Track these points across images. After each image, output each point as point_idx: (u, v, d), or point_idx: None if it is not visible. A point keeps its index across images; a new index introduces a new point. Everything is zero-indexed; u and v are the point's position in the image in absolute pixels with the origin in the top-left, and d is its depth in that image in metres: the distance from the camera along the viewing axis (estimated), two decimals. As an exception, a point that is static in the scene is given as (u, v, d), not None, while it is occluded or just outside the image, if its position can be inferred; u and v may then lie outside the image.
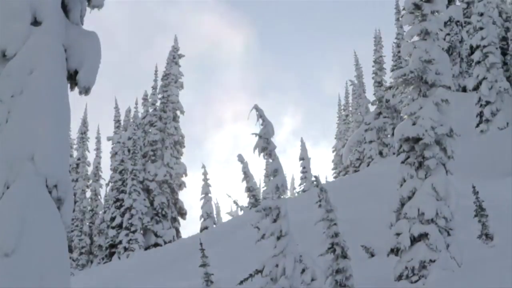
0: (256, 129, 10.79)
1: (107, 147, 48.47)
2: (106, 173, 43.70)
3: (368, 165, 34.05)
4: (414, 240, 11.77)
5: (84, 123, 44.83)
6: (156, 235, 36.24)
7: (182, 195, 41.73)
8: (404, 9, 13.39)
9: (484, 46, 27.88)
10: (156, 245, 35.17)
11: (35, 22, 6.99)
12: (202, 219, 35.88)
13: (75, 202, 39.10)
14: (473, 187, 13.24)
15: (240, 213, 25.30)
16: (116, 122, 42.49)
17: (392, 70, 39.88)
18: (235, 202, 11.71)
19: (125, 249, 34.08)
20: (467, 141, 23.65)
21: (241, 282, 10.62)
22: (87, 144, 44.49)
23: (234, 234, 21.68)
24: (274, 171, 10.79)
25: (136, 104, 42.07)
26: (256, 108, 10.81)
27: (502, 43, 31.29)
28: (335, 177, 43.34)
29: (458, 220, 12.16)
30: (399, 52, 38.34)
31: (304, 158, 42.98)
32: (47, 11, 7.03)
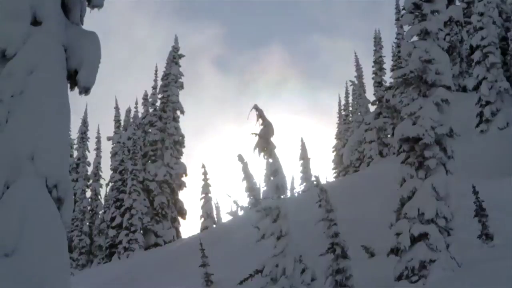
0: (256, 129, 10.79)
1: (107, 147, 48.51)
2: (106, 173, 43.78)
3: (368, 165, 34.04)
4: (414, 240, 11.76)
5: (84, 123, 44.85)
6: (156, 235, 36.22)
7: (182, 195, 41.66)
8: (404, 9, 13.39)
9: (484, 46, 27.89)
10: (156, 245, 35.17)
11: (35, 22, 6.99)
12: (202, 219, 35.88)
13: (75, 202, 39.10)
14: (473, 187, 13.24)
15: (240, 213, 25.26)
16: (116, 122, 42.51)
17: (392, 70, 39.87)
18: (235, 202, 11.67)
19: (125, 249, 34.07)
20: (467, 141, 23.64)
21: (241, 282, 10.63)
22: (87, 144, 44.51)
23: (234, 234, 21.68)
24: (274, 171, 10.79)
25: (136, 104, 42.11)
26: (256, 108, 10.81)
27: (502, 43, 31.28)
28: (335, 177, 43.33)
29: (458, 220, 12.16)
30: (399, 52, 38.32)
31: (304, 158, 42.99)
32: (47, 11, 7.04)
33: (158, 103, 40.05)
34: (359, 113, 40.75)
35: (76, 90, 7.28)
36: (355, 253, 13.23)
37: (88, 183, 42.73)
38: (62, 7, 7.33)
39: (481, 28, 28.21)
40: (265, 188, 11.06)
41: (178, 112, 39.91)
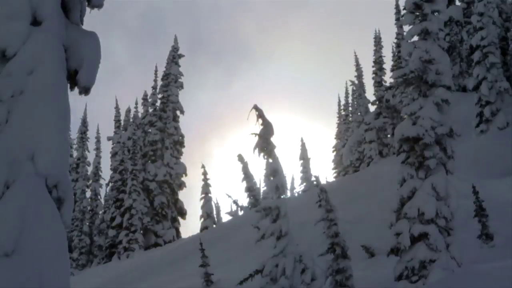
0: (256, 129, 10.78)
1: (107, 147, 48.56)
2: (106, 173, 43.77)
3: (368, 165, 34.03)
4: (414, 240, 11.76)
5: (84, 123, 44.88)
6: (156, 235, 36.24)
7: (182, 195, 41.65)
8: (404, 9, 13.38)
9: (484, 46, 27.87)
10: (156, 245, 35.18)
11: (35, 22, 6.99)
12: (202, 219, 35.87)
13: (75, 202, 39.09)
14: (473, 187, 13.24)
15: (240, 213, 25.28)
16: (116, 122, 42.51)
17: (392, 70, 39.86)
18: (235, 202, 11.68)
19: (125, 249, 34.08)
20: (467, 141, 23.65)
21: (241, 282, 10.62)
22: (87, 144, 44.53)
23: (234, 234, 21.70)
24: (274, 171, 10.78)
25: (136, 104, 42.14)
26: (256, 108, 10.80)
27: (502, 43, 31.27)
28: (335, 177, 43.34)
29: (458, 220, 12.16)
30: (399, 52, 38.31)
31: (304, 158, 43.02)
32: (47, 11, 7.04)
33: (158, 103, 40.07)
34: (359, 113, 40.74)
35: (76, 90, 7.28)
36: (355, 253, 13.23)
37: (88, 183, 42.74)
38: (62, 7, 7.33)
39: (481, 28, 28.19)
40: (265, 188, 11.07)
41: (178, 112, 39.93)
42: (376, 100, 31.97)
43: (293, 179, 49.41)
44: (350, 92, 46.30)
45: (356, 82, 41.63)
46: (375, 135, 34.09)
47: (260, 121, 10.76)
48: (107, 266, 30.89)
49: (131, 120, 42.14)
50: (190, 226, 44.74)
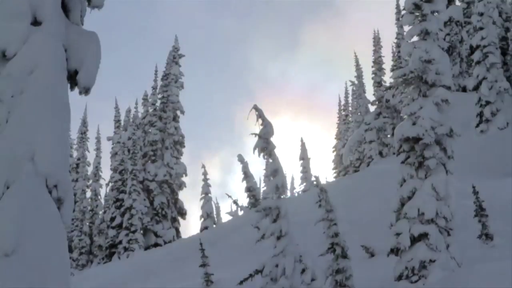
0: (256, 129, 10.79)
1: (107, 147, 48.51)
2: (106, 173, 43.73)
3: (368, 165, 34.04)
4: (414, 240, 11.76)
5: (84, 123, 44.84)
6: (156, 235, 36.22)
7: (182, 195, 41.66)
8: (404, 9, 13.39)
9: (484, 46, 27.87)
10: (156, 245, 35.15)
11: (35, 22, 7.00)
12: (202, 219, 35.87)
13: (75, 202, 39.06)
14: (473, 187, 13.24)
15: (240, 213, 25.27)
16: (116, 122, 42.48)
17: (392, 70, 39.87)
18: (235, 202, 11.67)
19: (125, 249, 34.06)
20: (467, 141, 23.64)
21: (241, 282, 10.62)
22: (87, 144, 44.48)
23: (234, 234, 21.69)
24: (274, 171, 10.79)
25: (136, 104, 42.11)
26: (256, 108, 10.80)
27: (502, 43, 31.27)
28: (335, 177, 43.34)
29: (458, 220, 12.16)
30: (399, 52, 38.31)
31: (304, 158, 43.02)
32: (47, 11, 7.04)
33: (158, 103, 40.06)
34: (359, 113, 40.74)
35: (76, 90, 7.29)
36: (355, 253, 13.23)
37: (88, 183, 42.70)
38: (62, 7, 7.34)
39: (481, 28, 28.19)
40: (265, 188, 11.06)
41: (178, 112, 39.92)
42: (376, 100, 31.88)
43: (293, 179, 49.52)
44: (350, 92, 46.33)
45: (356, 82, 41.60)
46: (375, 135, 34.09)
47: (260, 121, 10.76)
48: (107, 266, 30.86)
49: (131, 120, 42.13)
50: (190, 226, 44.82)
